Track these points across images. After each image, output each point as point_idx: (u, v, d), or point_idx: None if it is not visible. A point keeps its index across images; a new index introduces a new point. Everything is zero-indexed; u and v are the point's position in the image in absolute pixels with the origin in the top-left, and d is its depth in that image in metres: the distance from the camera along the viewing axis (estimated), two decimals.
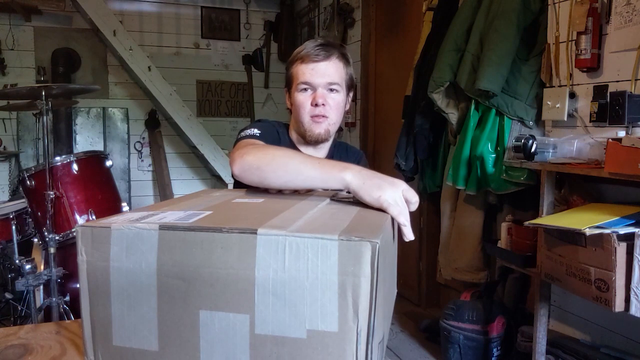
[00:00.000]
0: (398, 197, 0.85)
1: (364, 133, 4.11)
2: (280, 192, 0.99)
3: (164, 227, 0.71)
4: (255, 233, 0.67)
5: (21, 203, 2.75)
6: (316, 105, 1.32)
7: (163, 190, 4.86)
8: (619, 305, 1.65)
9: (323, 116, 1.33)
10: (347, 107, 1.43)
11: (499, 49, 2.33)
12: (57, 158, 2.43)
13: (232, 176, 1.06)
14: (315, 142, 1.38)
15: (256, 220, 0.73)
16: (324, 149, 1.44)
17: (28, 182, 2.38)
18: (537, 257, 2.07)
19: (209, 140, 4.51)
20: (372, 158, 3.99)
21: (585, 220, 1.73)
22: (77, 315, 1.47)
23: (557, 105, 2.22)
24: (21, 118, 4.49)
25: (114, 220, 0.76)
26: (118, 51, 4.23)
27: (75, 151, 4.39)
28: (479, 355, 2.47)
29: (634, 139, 1.69)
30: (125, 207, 2.61)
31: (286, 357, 0.67)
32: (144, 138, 4.89)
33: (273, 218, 0.75)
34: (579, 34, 2.09)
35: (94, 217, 2.41)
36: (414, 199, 0.87)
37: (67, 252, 2.35)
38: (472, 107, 2.51)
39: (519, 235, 2.26)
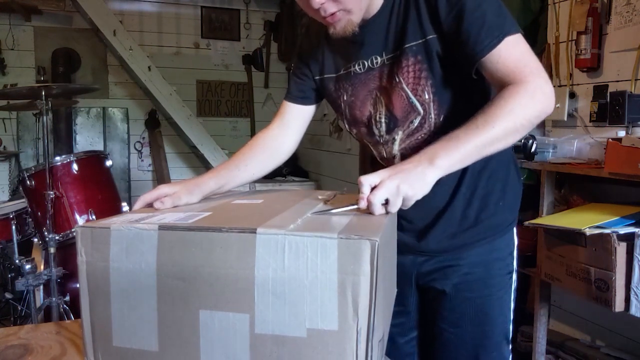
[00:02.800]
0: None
1: None
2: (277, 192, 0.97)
3: (163, 228, 0.71)
4: (255, 232, 0.67)
5: (21, 203, 2.75)
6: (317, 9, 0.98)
7: None
8: (619, 305, 1.65)
9: (333, 14, 0.99)
10: None
11: None
12: (57, 158, 2.42)
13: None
14: (353, 34, 1.04)
15: (255, 220, 0.73)
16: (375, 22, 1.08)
17: (28, 182, 2.37)
18: (537, 257, 2.07)
19: (209, 140, 4.50)
20: None
21: (585, 220, 1.73)
22: (77, 315, 1.46)
23: (557, 105, 2.21)
24: (21, 118, 4.49)
25: (113, 221, 0.76)
26: (118, 51, 4.22)
27: (75, 151, 4.38)
28: None
29: (634, 139, 1.69)
30: (125, 207, 2.61)
31: (286, 356, 0.67)
32: (144, 138, 4.89)
33: (272, 218, 0.75)
34: (579, 33, 2.09)
35: (94, 217, 2.40)
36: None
37: (67, 252, 2.35)
38: None
39: (518, 235, 2.25)
